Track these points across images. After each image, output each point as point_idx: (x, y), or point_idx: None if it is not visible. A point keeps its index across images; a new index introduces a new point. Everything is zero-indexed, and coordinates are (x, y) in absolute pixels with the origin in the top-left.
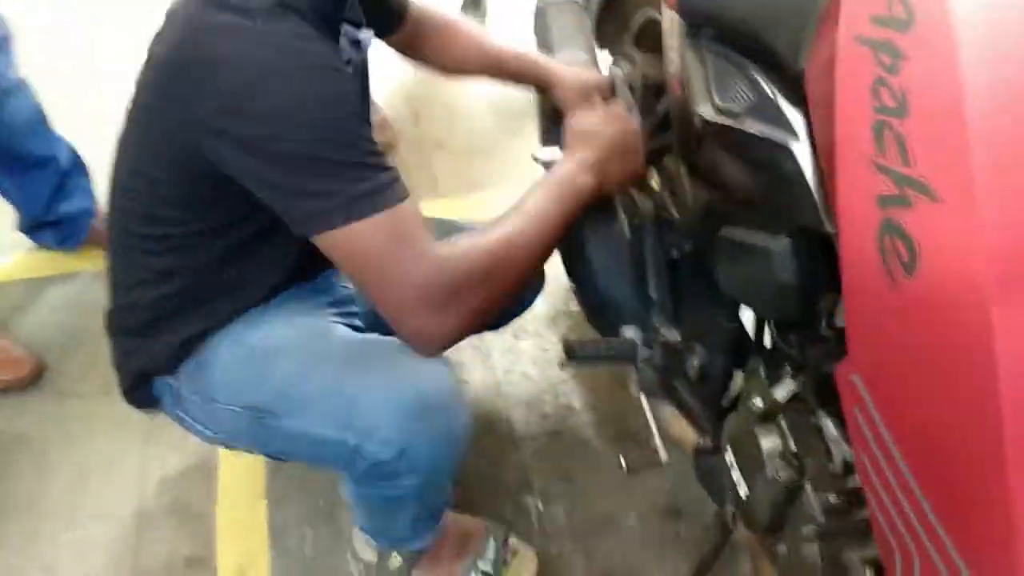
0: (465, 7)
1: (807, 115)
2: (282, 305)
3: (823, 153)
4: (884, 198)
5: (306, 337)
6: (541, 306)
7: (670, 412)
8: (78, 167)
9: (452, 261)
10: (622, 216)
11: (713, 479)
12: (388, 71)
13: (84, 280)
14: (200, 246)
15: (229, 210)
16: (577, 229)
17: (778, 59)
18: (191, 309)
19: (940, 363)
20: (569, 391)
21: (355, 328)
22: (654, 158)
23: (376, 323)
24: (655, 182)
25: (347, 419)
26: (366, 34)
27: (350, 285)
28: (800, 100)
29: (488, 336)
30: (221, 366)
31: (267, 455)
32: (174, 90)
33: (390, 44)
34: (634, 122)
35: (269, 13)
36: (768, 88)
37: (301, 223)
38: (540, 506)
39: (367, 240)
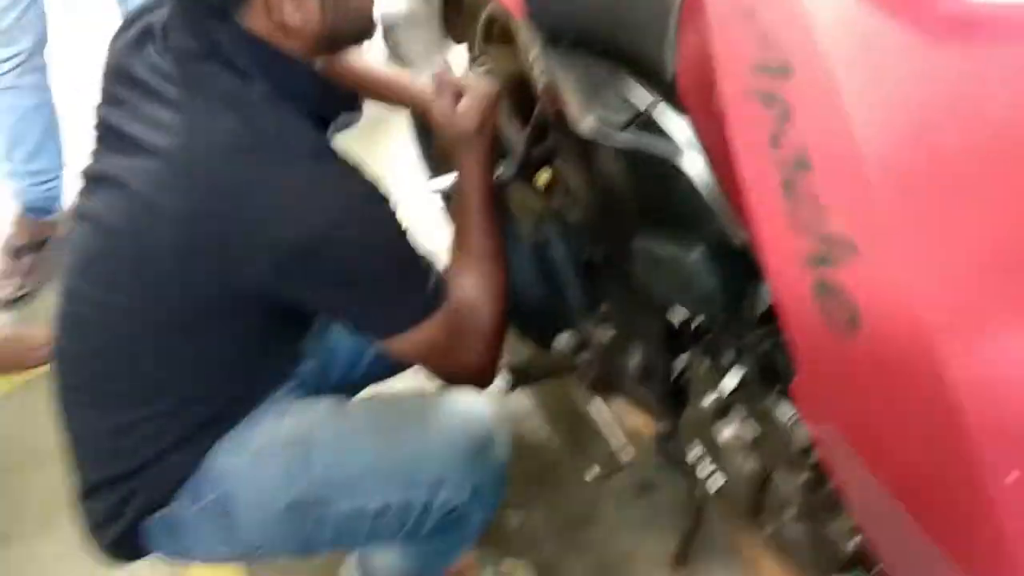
0: None
1: (689, 121)
2: (274, 403)
3: (715, 161)
4: (810, 257)
5: (320, 418)
6: None
7: (620, 406)
8: None
9: (492, 325)
10: (522, 222)
11: (680, 462)
12: None
13: None
14: (200, 387)
15: (251, 344)
16: None
17: (646, 66)
18: (189, 437)
19: (903, 404)
20: (524, 412)
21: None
22: (540, 163)
23: (321, 381)
24: (543, 181)
25: (410, 479)
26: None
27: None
28: (678, 106)
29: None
30: (234, 476)
31: (303, 552)
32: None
33: None
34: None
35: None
36: (645, 97)
37: (370, 331)
38: (521, 518)
39: (434, 337)
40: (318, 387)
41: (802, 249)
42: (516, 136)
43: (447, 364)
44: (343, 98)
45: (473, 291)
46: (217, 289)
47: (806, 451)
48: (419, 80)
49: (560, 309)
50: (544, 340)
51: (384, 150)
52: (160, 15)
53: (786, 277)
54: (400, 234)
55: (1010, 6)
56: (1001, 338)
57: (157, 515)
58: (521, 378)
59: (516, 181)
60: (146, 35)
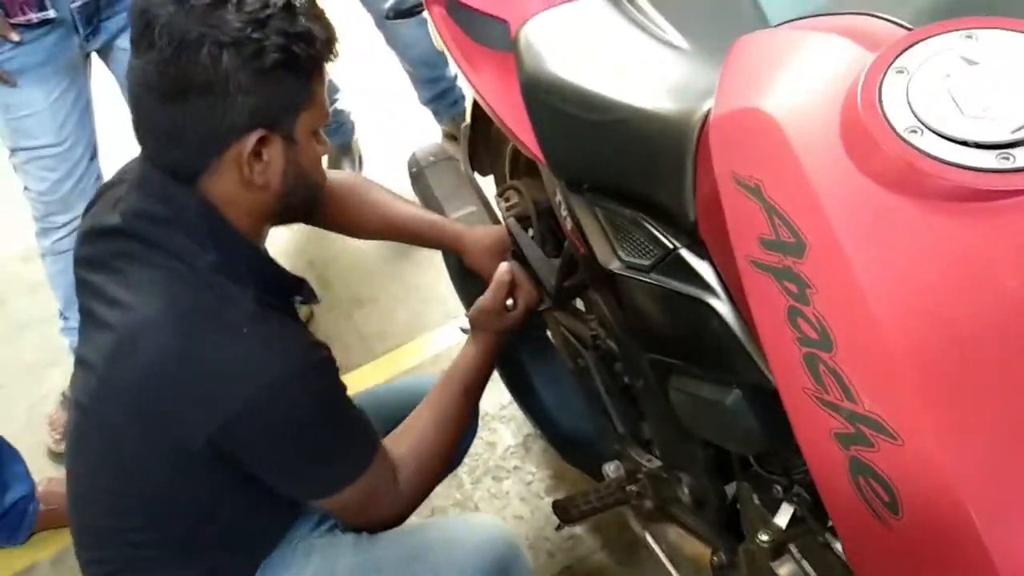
0: (336, 155)
1: (713, 266)
2: (291, 543)
3: (742, 307)
4: (842, 436)
5: (345, 560)
6: (510, 438)
7: (676, 533)
8: (8, 453)
9: (415, 479)
10: (562, 350)
11: None
12: (281, 236)
13: (43, 570)
14: (208, 526)
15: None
16: (519, 373)
17: (666, 212)
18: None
19: None
20: (580, 542)
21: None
22: (572, 294)
23: None
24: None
25: None
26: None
27: None
28: (703, 251)
29: (468, 488)
30: None
31: None
32: (165, 411)
33: None
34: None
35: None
36: (668, 240)
37: (301, 496)
38: None
39: (353, 500)
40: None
41: (830, 423)
42: (548, 266)
43: (362, 519)
44: (288, 285)
45: (412, 452)
46: (173, 455)
47: None
48: (452, 221)
49: (606, 437)
50: (593, 469)
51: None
52: (124, 186)
53: (819, 454)
54: (332, 405)
55: (1006, 176)
56: None
57: None
58: (566, 517)
59: (551, 311)
60: (112, 207)
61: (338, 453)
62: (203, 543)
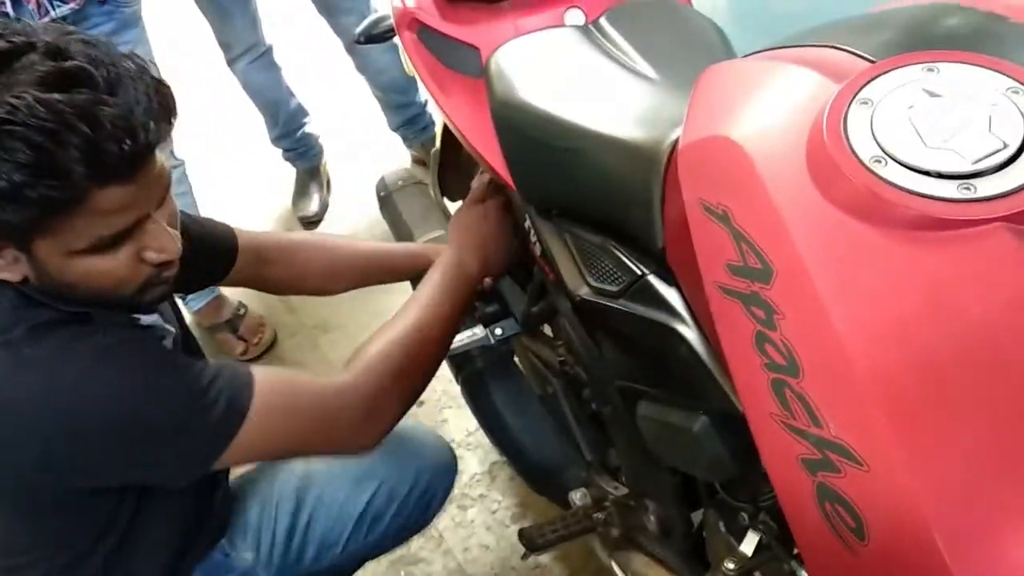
0: (303, 179)
1: (681, 293)
2: None
3: (709, 333)
4: (809, 462)
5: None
6: (476, 465)
7: (642, 561)
8: None
9: (362, 376)
10: (530, 376)
11: None
12: None
13: None
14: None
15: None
16: (486, 400)
17: (634, 238)
18: None
19: None
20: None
21: None
22: (541, 319)
23: None
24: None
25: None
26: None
27: (245, 554)
28: (671, 278)
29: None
30: None
31: None
32: None
33: (234, 283)
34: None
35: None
36: (636, 267)
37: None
38: None
39: (267, 430)
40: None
41: (799, 452)
42: (516, 293)
43: (314, 443)
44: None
45: (389, 342)
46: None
47: None
48: (423, 245)
49: (574, 464)
50: (559, 497)
51: None
52: None
53: (786, 479)
54: (169, 391)
55: (968, 207)
56: (1012, 550)
57: None
58: (532, 545)
59: (519, 336)
60: None
61: (194, 398)
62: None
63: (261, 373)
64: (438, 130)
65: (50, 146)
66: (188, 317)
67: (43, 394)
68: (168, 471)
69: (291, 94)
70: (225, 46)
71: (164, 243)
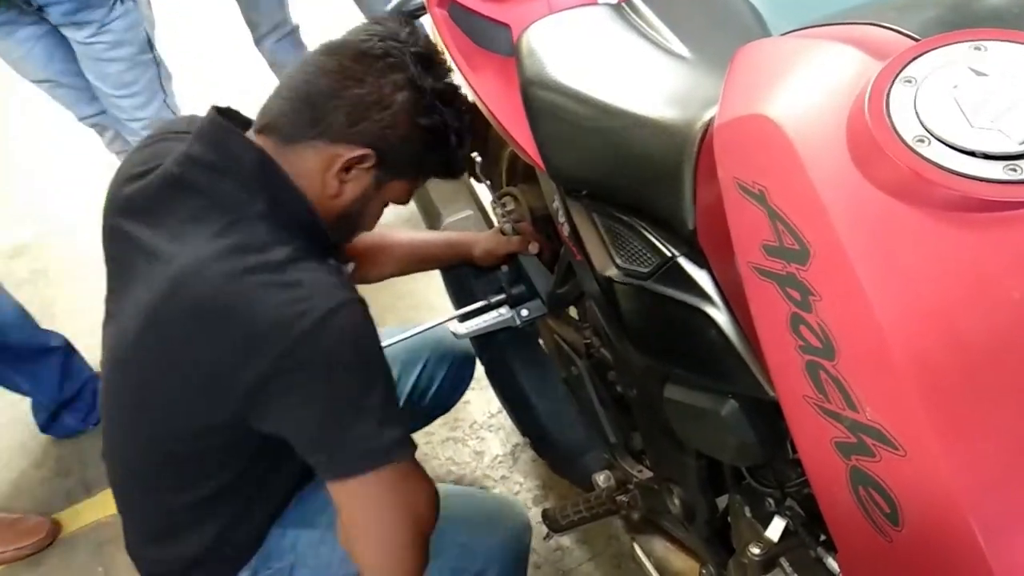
0: None
1: (712, 275)
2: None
3: (741, 316)
4: (843, 445)
5: None
6: (498, 447)
7: (664, 546)
8: (70, 348)
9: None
10: (555, 358)
11: None
12: None
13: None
14: (238, 483)
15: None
16: (510, 381)
17: (665, 219)
18: (242, 515)
19: None
20: (567, 554)
21: None
22: (567, 302)
23: None
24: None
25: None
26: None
27: None
28: (700, 258)
29: None
30: (302, 548)
31: None
32: (210, 351)
33: None
34: None
35: (291, 261)
36: (666, 248)
37: (336, 465)
38: None
39: (397, 479)
40: None
41: (833, 435)
42: (542, 274)
43: (397, 516)
44: (330, 244)
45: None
46: (207, 410)
47: None
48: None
49: (597, 447)
50: (582, 480)
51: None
52: (171, 140)
53: (819, 463)
54: (376, 352)
55: (1013, 188)
56: None
57: None
58: (555, 526)
59: (545, 318)
60: (153, 155)
61: (384, 411)
62: (231, 496)
63: (413, 466)
64: None
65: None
66: None
67: (290, 316)
68: (331, 452)
69: None
70: (252, 24)
71: None
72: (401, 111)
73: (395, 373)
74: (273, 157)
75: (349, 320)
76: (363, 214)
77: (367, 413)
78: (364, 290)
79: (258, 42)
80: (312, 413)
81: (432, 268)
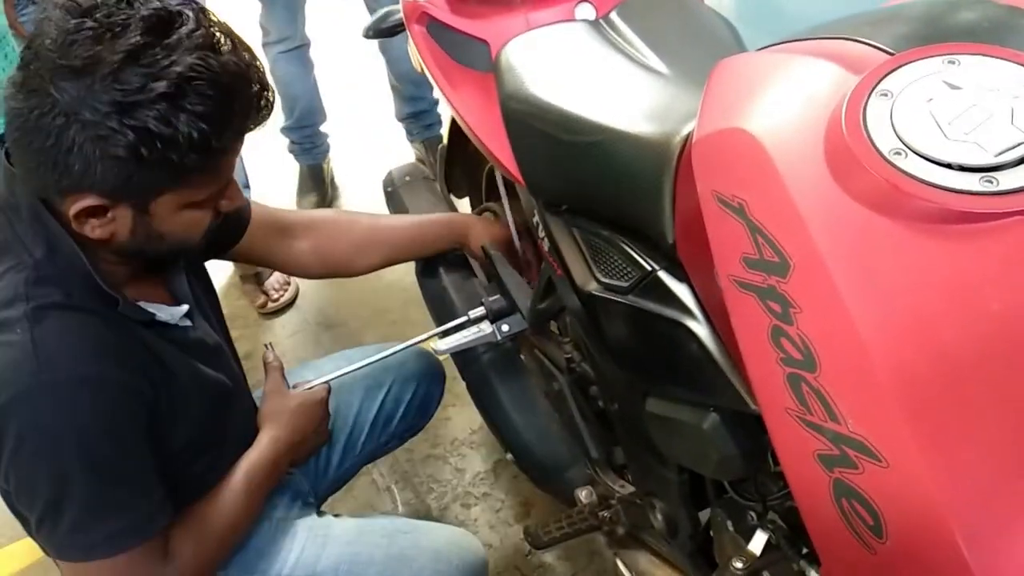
0: (306, 176)
1: (692, 288)
2: (268, 519)
3: (721, 329)
4: (825, 457)
5: (319, 545)
6: (479, 464)
7: (648, 560)
8: None
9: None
10: (536, 373)
11: None
12: None
13: None
14: None
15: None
16: (491, 396)
17: (645, 233)
18: None
19: None
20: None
21: (308, 507)
22: (548, 316)
23: (317, 488)
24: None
25: None
26: (177, 311)
27: (292, 470)
28: (680, 271)
29: (436, 515)
30: None
31: None
32: None
33: (248, 258)
34: (319, 405)
35: (31, 318)
36: (646, 262)
37: (46, 544)
38: None
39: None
40: (304, 499)
41: (815, 448)
42: (523, 289)
43: None
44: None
45: (185, 555)
46: None
47: None
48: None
49: (579, 462)
50: (565, 495)
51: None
52: None
53: (802, 476)
54: (96, 441)
55: (990, 200)
56: None
57: None
58: (537, 543)
59: (525, 334)
60: None
61: (85, 508)
62: None
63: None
64: (446, 125)
65: (226, 96)
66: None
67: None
68: (40, 531)
69: (315, 93)
70: (263, 29)
71: (238, 194)
72: (82, 146)
73: (358, 400)
74: (55, 208)
75: (62, 402)
76: (158, 237)
77: (62, 509)
78: (342, 303)
79: (264, 46)
80: (11, 486)
81: (427, 254)
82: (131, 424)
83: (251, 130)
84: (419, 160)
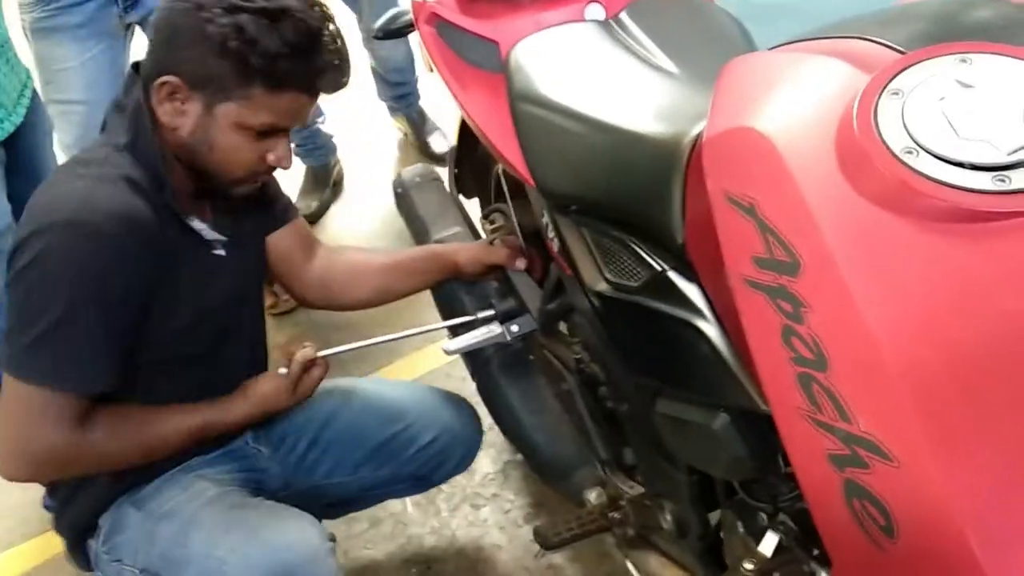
0: (312, 177)
1: (702, 288)
2: (190, 471)
3: (731, 329)
4: (836, 457)
5: (193, 502)
6: (489, 465)
7: (658, 562)
8: None
9: (87, 446)
10: (545, 373)
11: None
12: None
13: None
14: None
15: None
16: (501, 397)
17: (655, 234)
18: (107, 475)
19: None
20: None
21: (264, 490)
22: (557, 317)
23: (290, 483)
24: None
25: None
26: (215, 236)
27: (263, 448)
28: (690, 272)
29: (445, 515)
30: (125, 528)
31: None
32: None
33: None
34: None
35: (99, 177)
36: (656, 262)
37: (4, 357)
38: None
39: (16, 398)
40: (260, 479)
41: (826, 447)
42: (532, 290)
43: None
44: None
45: (95, 434)
46: None
47: None
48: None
49: (589, 463)
50: (574, 496)
51: None
52: None
53: (813, 475)
54: (79, 283)
55: (1002, 198)
56: None
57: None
58: (547, 544)
59: (535, 334)
60: None
61: (45, 336)
62: None
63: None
64: (455, 126)
65: (309, 42)
66: None
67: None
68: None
69: None
70: None
71: (285, 153)
72: (189, 30)
73: (368, 419)
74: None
75: (60, 240)
76: (209, 145)
77: (34, 324)
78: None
79: None
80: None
81: (417, 285)
82: (123, 294)
83: (319, 91)
84: (399, 130)
